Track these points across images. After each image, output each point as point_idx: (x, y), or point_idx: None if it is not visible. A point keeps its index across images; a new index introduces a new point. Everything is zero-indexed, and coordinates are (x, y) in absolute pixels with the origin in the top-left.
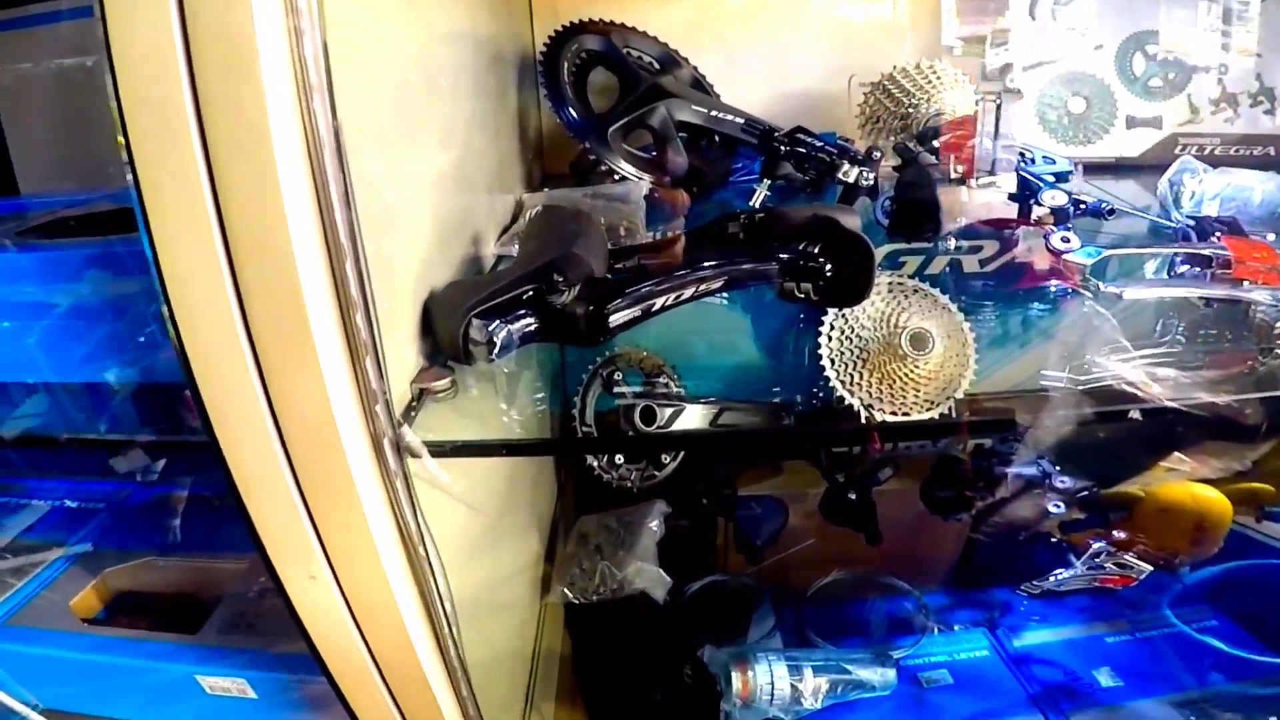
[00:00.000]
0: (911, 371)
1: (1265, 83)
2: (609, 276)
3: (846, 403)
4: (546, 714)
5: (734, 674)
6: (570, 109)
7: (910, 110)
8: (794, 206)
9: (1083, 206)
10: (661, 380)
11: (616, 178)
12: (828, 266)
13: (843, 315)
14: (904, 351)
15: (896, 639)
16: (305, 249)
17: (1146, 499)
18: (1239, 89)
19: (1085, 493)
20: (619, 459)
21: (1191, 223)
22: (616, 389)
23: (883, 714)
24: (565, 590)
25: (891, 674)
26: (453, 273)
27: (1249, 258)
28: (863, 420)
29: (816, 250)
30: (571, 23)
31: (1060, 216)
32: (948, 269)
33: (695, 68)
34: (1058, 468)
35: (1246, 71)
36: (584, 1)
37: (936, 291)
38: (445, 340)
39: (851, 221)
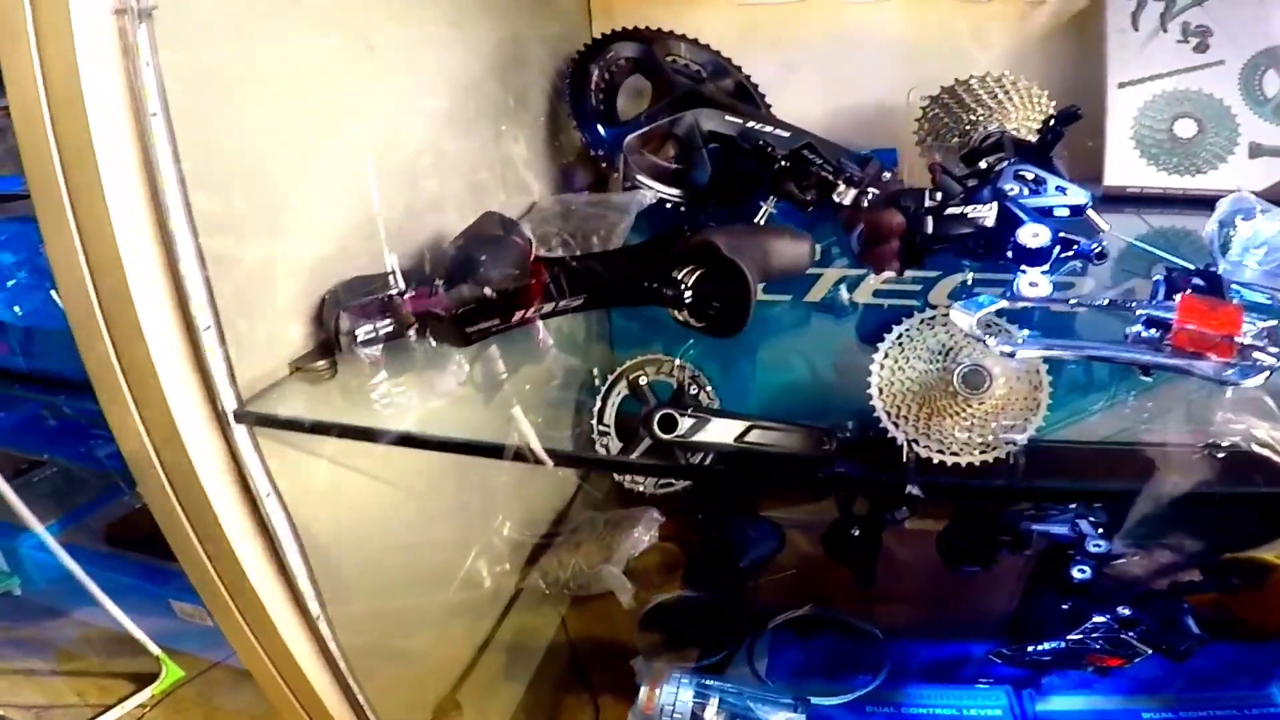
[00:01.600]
0: (963, 410)
1: None
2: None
3: (890, 435)
4: (507, 691)
5: (644, 687)
6: (596, 124)
7: (969, 128)
8: (726, 227)
9: (1072, 248)
10: (693, 390)
11: (627, 185)
12: (687, 294)
13: (898, 343)
14: (955, 389)
15: (852, 683)
16: (134, 248)
17: None
18: None
19: (1122, 559)
20: None
21: (1163, 274)
22: (638, 393)
23: None
24: (540, 580)
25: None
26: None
27: (1200, 322)
28: (904, 457)
29: (694, 277)
30: (611, 30)
31: (1039, 257)
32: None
33: (748, 77)
34: (1100, 530)
35: None
36: (643, 6)
37: (1014, 328)
38: (329, 329)
39: (784, 247)
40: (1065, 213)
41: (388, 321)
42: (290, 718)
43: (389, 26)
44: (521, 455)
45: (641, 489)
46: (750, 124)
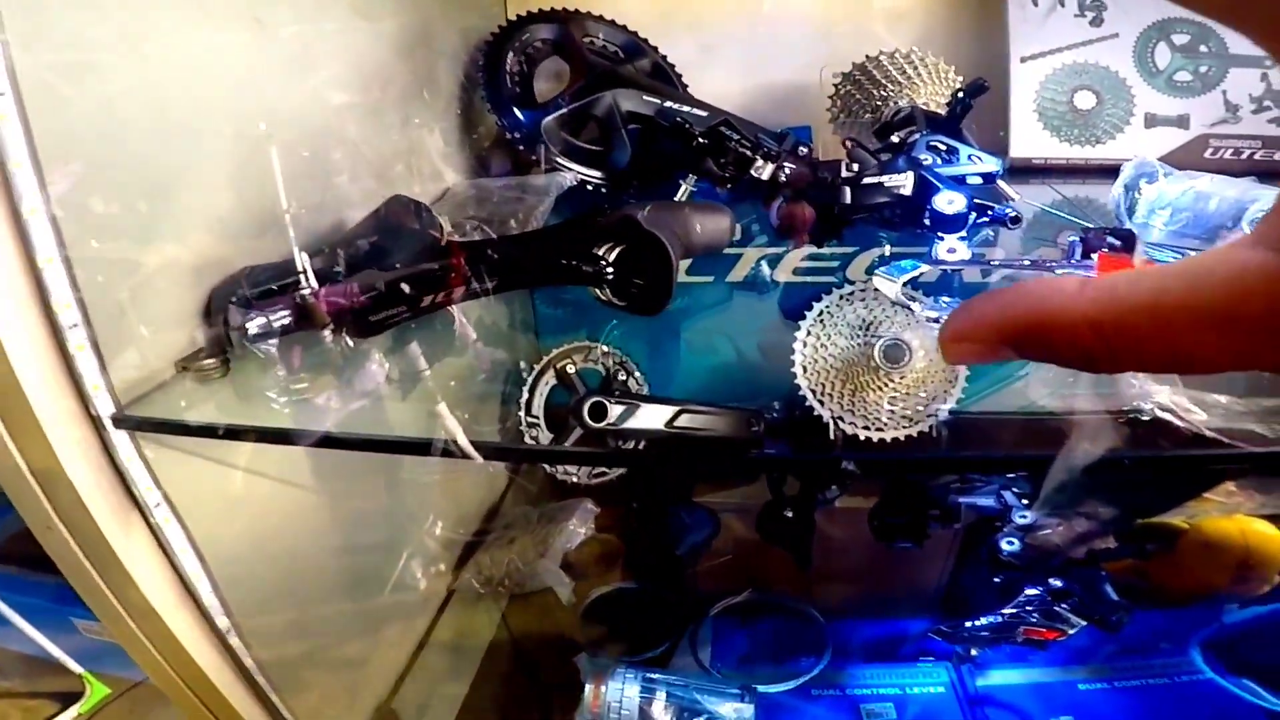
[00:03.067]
0: (885, 384)
1: None
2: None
3: (816, 413)
4: (447, 695)
5: (589, 686)
6: (513, 109)
7: (880, 103)
8: (647, 203)
9: (987, 214)
10: (621, 377)
11: (547, 168)
12: (608, 271)
13: (819, 320)
14: (876, 363)
15: (796, 666)
16: None
17: (1190, 531)
18: None
19: (1047, 530)
20: None
21: (1079, 236)
22: (567, 381)
23: None
24: (472, 580)
25: (749, 710)
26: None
27: None
28: (831, 435)
29: (614, 254)
30: (529, 12)
31: (956, 223)
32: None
33: (664, 57)
34: (1025, 501)
35: None
36: None
37: (927, 299)
38: (218, 324)
39: (705, 221)
40: (978, 180)
41: (282, 313)
42: None
43: (285, 9)
44: (448, 451)
45: (575, 480)
46: (668, 103)
